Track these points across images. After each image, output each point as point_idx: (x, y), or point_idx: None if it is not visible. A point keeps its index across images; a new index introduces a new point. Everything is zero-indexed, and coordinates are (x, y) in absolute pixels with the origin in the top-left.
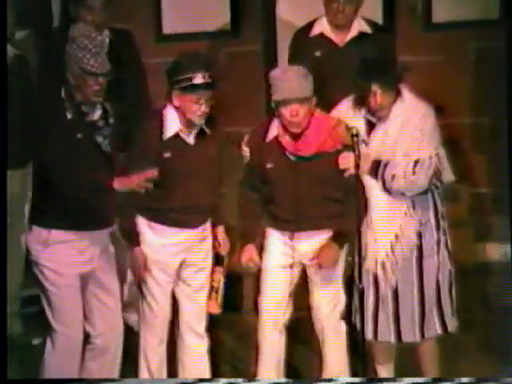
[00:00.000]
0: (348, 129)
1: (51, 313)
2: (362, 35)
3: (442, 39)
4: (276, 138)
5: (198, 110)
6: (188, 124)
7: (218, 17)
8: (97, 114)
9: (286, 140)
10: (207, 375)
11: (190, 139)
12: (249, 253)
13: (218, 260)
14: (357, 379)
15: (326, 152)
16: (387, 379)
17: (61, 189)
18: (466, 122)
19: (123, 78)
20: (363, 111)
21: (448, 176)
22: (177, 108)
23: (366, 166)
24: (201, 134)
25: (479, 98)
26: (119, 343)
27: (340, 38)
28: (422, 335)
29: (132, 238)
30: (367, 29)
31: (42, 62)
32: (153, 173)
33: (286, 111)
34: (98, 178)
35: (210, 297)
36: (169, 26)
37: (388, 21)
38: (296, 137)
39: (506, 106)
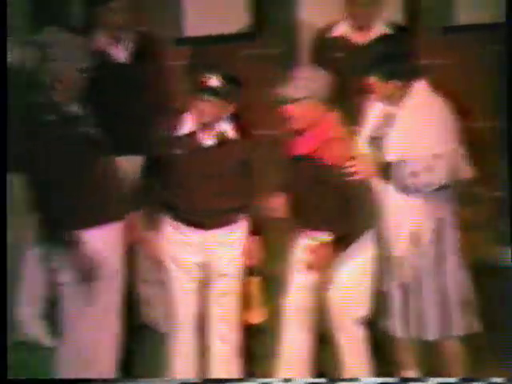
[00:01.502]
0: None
1: None
2: (383, 36)
3: (462, 42)
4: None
5: (198, 108)
6: (199, 124)
7: (239, 19)
8: (75, 107)
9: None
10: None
11: (208, 141)
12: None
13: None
14: (385, 379)
15: (313, 156)
16: (416, 379)
17: (55, 192)
18: (485, 125)
19: (144, 79)
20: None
21: (464, 174)
22: None
23: (372, 169)
24: (224, 139)
25: (498, 102)
26: None
27: (361, 39)
28: (447, 334)
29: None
30: (388, 30)
31: None
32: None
33: (290, 108)
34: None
35: (248, 307)
36: (189, 29)
37: (408, 23)
38: (297, 134)
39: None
